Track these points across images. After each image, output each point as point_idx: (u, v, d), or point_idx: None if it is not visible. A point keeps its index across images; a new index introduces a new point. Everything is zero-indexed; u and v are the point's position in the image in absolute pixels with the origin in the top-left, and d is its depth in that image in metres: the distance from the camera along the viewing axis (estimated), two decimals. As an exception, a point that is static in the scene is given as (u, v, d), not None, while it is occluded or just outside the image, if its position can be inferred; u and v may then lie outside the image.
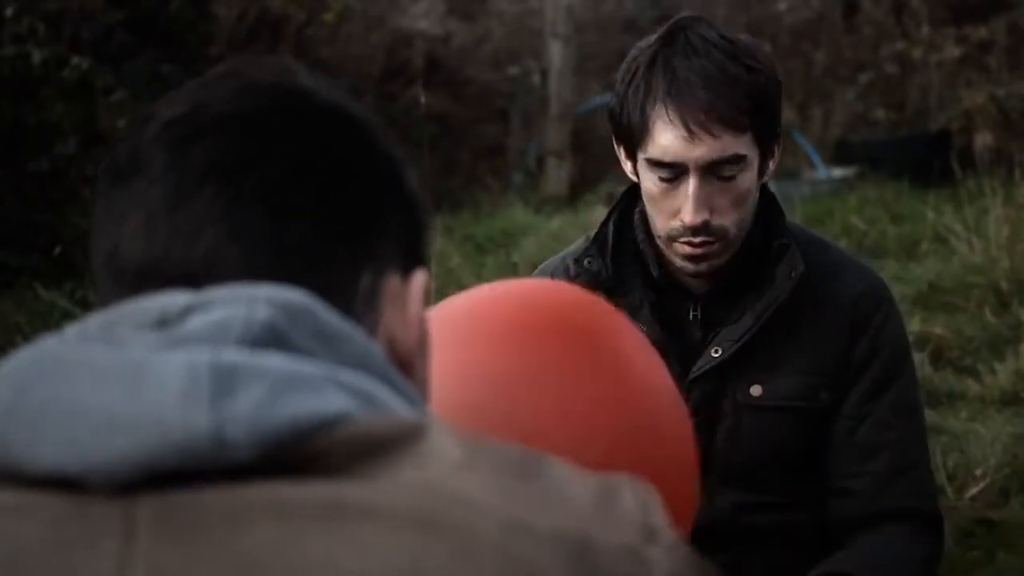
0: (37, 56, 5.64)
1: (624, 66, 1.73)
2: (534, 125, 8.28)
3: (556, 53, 7.99)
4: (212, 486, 0.63)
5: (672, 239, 1.71)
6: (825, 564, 1.73)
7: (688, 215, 1.67)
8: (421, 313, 0.78)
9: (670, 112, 1.65)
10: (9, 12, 5.75)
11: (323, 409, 0.64)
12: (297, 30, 7.83)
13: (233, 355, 0.64)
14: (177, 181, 0.72)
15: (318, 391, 0.65)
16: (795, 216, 5.83)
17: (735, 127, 1.66)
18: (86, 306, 4.62)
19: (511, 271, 5.15)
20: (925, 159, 6.96)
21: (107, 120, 5.70)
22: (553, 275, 1.85)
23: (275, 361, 0.65)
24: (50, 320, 4.60)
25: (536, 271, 1.91)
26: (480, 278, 5.17)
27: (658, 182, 1.69)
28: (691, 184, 1.66)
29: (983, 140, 6.92)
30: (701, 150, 1.65)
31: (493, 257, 5.86)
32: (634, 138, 1.70)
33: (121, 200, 0.73)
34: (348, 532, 0.62)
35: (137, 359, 0.64)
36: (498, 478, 0.66)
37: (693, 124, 1.64)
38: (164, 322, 0.67)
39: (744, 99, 1.66)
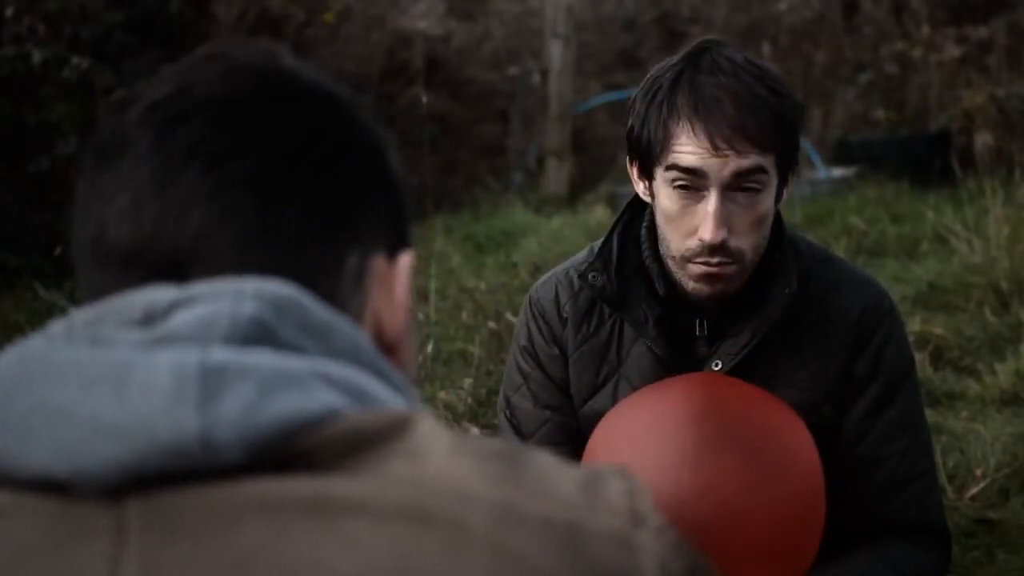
0: (37, 56, 5.64)
1: (644, 85, 1.71)
2: (534, 125, 8.27)
3: (556, 53, 7.98)
4: (200, 486, 0.63)
5: (687, 259, 1.69)
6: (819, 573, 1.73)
7: (708, 232, 1.64)
8: (407, 295, 0.78)
9: (696, 128, 1.62)
10: (9, 12, 5.75)
11: (310, 407, 0.64)
12: (297, 30, 7.82)
13: (220, 354, 0.63)
14: (163, 161, 0.71)
15: (305, 388, 0.64)
16: (795, 216, 5.82)
17: (760, 145, 1.64)
18: (86, 306, 4.59)
19: (511, 271, 5.14)
20: (925, 159, 6.95)
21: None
22: (557, 288, 1.84)
23: (262, 358, 0.64)
24: (50, 320, 4.59)
25: (539, 282, 1.89)
26: (480, 278, 5.17)
27: (676, 198, 1.67)
28: (711, 201, 1.64)
29: (983, 140, 6.91)
30: (725, 163, 1.62)
31: (493, 257, 5.85)
32: (653, 154, 1.67)
33: (107, 181, 0.73)
34: (336, 528, 0.62)
35: (123, 360, 0.63)
36: (486, 463, 0.66)
37: (719, 139, 1.62)
38: (150, 319, 0.66)
39: (770, 120, 1.64)
